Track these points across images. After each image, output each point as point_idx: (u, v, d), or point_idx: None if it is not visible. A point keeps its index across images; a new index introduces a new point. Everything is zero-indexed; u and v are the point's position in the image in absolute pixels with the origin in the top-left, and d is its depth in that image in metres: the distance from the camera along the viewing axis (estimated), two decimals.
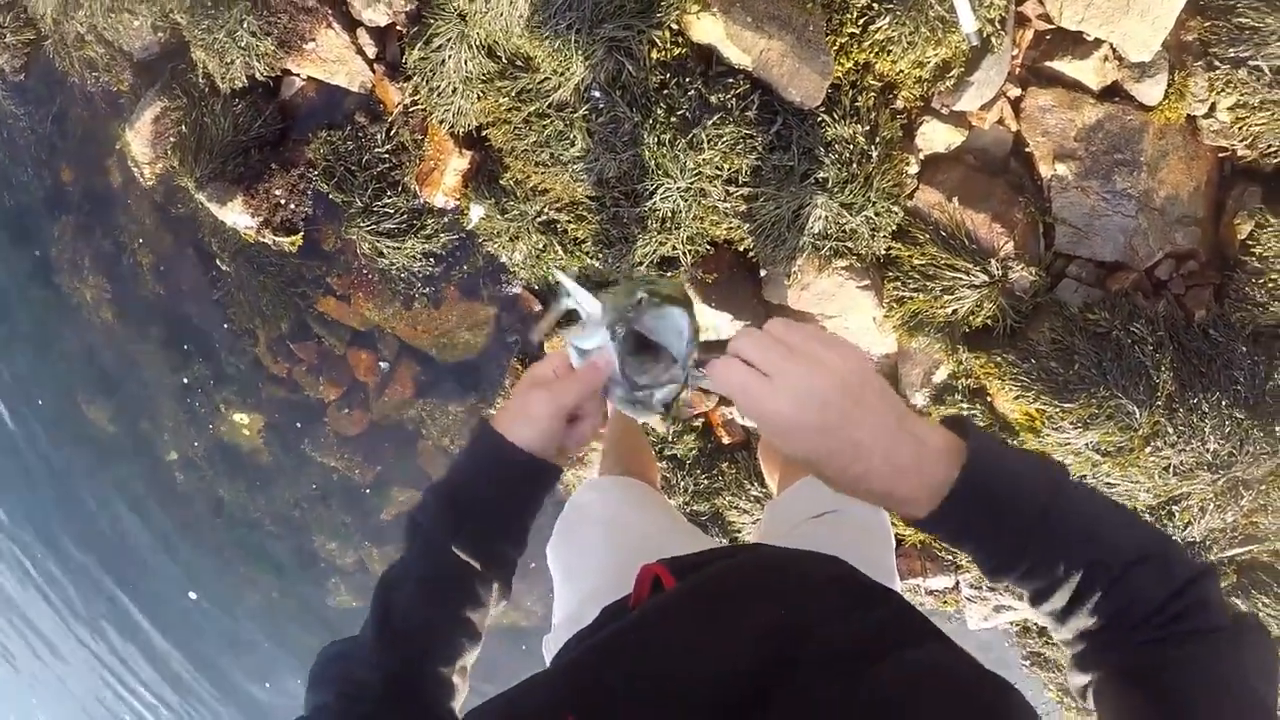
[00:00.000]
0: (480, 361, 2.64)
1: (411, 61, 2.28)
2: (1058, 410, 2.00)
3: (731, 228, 2.15)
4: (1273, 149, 1.90)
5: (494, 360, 2.63)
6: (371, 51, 2.41)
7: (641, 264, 2.20)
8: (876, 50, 1.96)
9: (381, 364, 2.78)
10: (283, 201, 2.54)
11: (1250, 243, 1.93)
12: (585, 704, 0.58)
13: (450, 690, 0.74)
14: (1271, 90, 1.82)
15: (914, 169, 2.08)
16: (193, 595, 3.75)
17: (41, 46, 3.19)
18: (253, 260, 2.76)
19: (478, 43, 2.15)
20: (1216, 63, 1.87)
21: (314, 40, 2.39)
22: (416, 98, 2.32)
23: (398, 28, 2.34)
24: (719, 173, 2.03)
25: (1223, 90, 1.88)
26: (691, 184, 2.05)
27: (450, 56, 2.19)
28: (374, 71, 2.41)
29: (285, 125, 2.57)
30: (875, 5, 1.92)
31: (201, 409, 3.27)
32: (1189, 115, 1.96)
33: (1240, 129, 1.90)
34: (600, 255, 2.24)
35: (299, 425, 3.04)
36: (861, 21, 1.94)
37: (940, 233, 2.05)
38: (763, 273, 2.23)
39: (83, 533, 3.99)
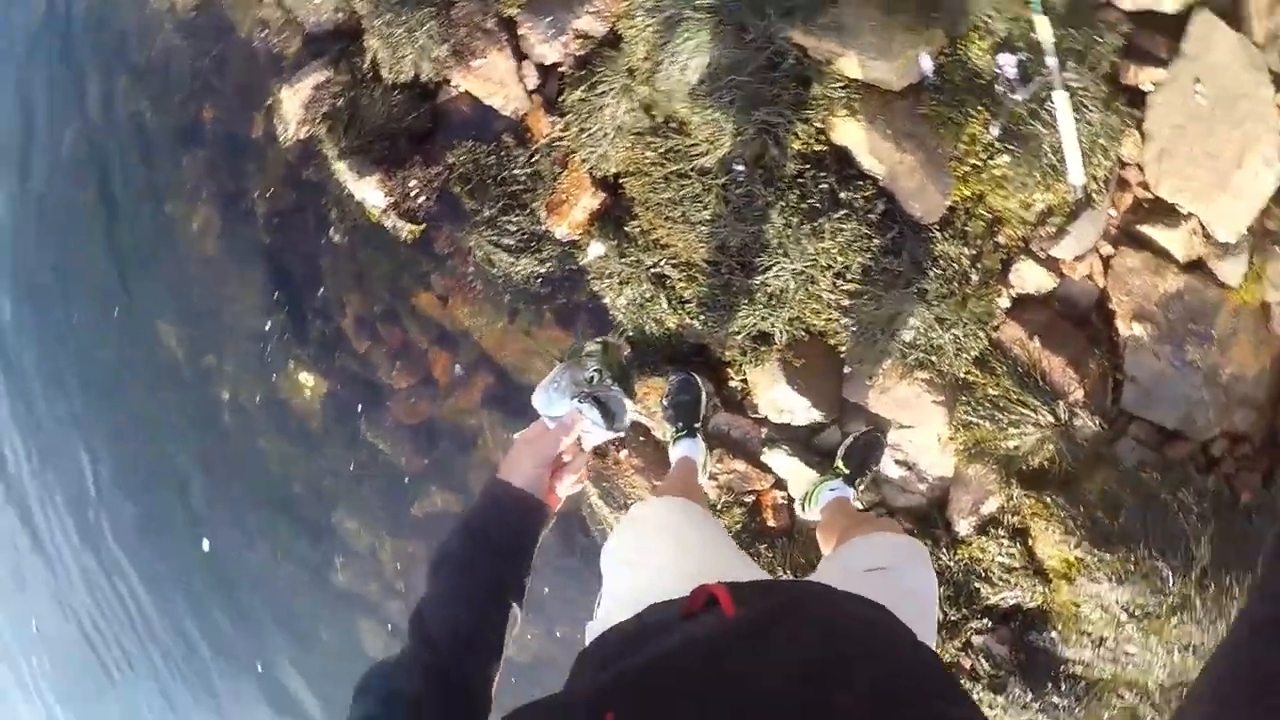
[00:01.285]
0: (571, 352, 2.80)
1: (570, 101, 2.50)
2: (1096, 560, 2.10)
3: (829, 319, 2.32)
4: None
5: (584, 367, 2.79)
6: (532, 83, 2.64)
7: (739, 333, 2.37)
8: (993, 185, 2.15)
9: (457, 367, 2.96)
10: (414, 192, 2.77)
11: None
12: (626, 707, 0.65)
13: (486, 693, 0.87)
14: None
15: (1005, 303, 2.23)
16: (206, 544, 3.92)
17: None
18: (367, 239, 2.98)
19: (639, 99, 2.37)
20: None
21: (484, 59, 2.63)
22: (565, 134, 2.54)
23: (562, 68, 2.57)
24: (832, 264, 2.22)
25: None
26: (805, 268, 2.24)
27: (609, 105, 2.41)
28: (531, 101, 2.64)
29: (433, 127, 2.81)
30: (998, 144, 2.11)
31: (270, 359, 3.47)
32: (1264, 301, 2.10)
33: None
34: (701, 316, 2.41)
35: (361, 403, 3.22)
36: (984, 156, 2.14)
37: (1017, 368, 2.19)
38: (847, 369, 2.38)
39: (115, 451, 4.20)
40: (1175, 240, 2.09)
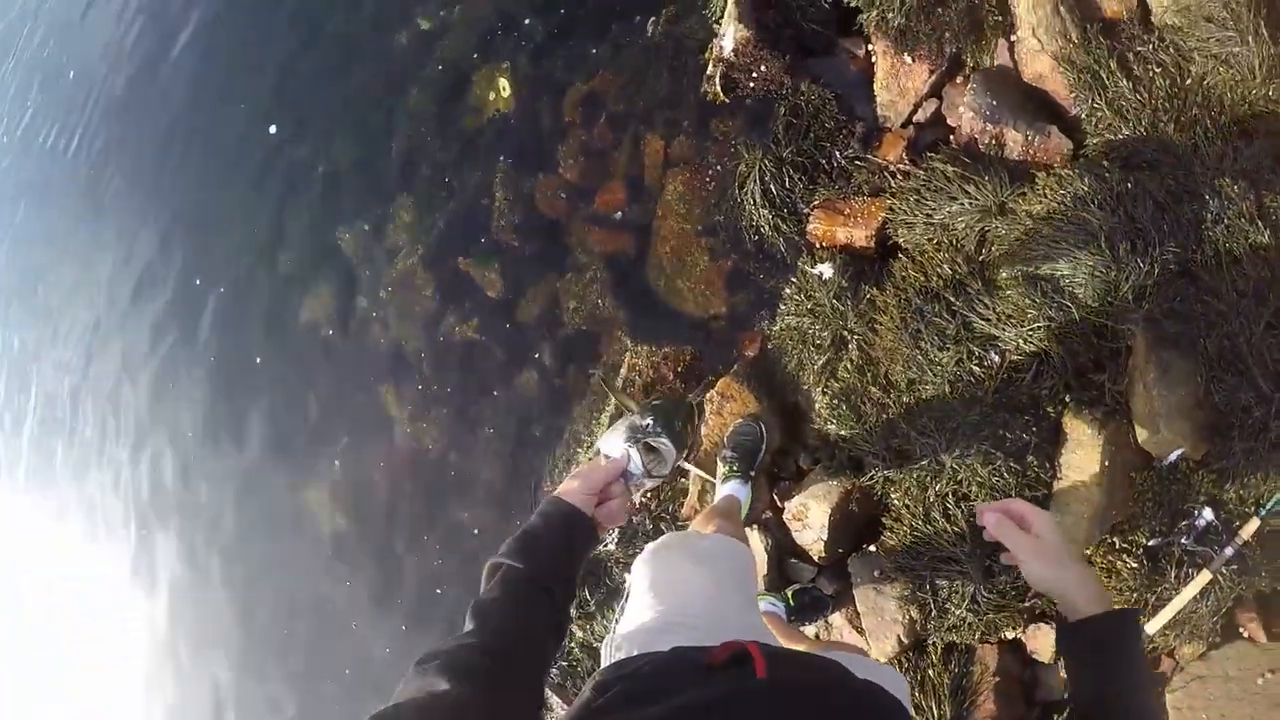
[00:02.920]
0: (641, 405, 2.88)
1: (935, 164, 2.50)
2: None
3: (909, 510, 2.34)
4: None
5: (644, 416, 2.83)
6: (921, 116, 2.65)
7: (842, 446, 2.42)
8: (1105, 568, 2.21)
9: (620, 213, 2.97)
10: (755, 74, 2.76)
11: None
12: None
13: (536, 698, 0.95)
14: None
15: (1010, 634, 2.32)
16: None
17: None
18: (676, 60, 2.98)
19: (981, 226, 2.39)
20: None
21: (912, 60, 2.63)
22: (903, 178, 2.56)
23: (954, 138, 2.57)
24: (961, 484, 2.25)
25: None
26: (948, 463, 2.26)
27: (958, 205, 2.42)
28: (903, 126, 2.66)
29: (820, 53, 2.80)
30: (1140, 552, 2.17)
31: (491, 43, 3.42)
32: None
33: None
34: (831, 402, 2.45)
35: (522, 150, 3.21)
36: (1124, 548, 2.20)
37: (962, 679, 2.32)
38: (871, 547, 2.47)
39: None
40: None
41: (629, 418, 1.35)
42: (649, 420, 1.33)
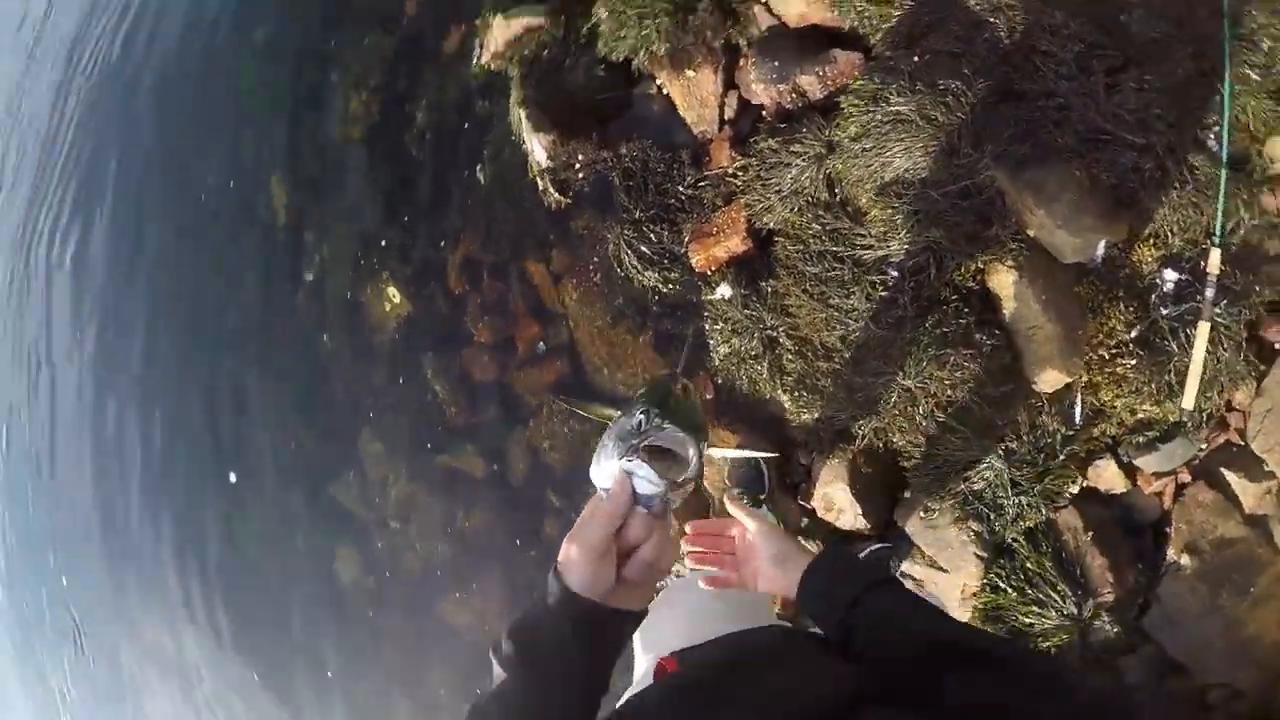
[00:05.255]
0: (622, 405, 3.03)
1: (760, 147, 2.74)
2: None
3: (912, 441, 2.49)
4: None
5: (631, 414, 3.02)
6: (729, 114, 2.89)
7: (824, 423, 2.57)
8: (1111, 380, 2.34)
9: (542, 344, 3.22)
10: (577, 166, 3.05)
11: None
12: None
13: None
14: None
15: (1075, 489, 2.42)
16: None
17: None
18: (510, 190, 3.28)
19: (829, 172, 2.59)
20: None
21: (695, 73, 2.90)
22: (739, 174, 2.78)
23: (765, 114, 2.82)
24: (939, 394, 2.41)
25: None
26: (913, 387, 2.42)
27: (796, 166, 2.64)
28: (720, 130, 2.90)
29: (622, 114, 3.09)
30: (1132, 346, 2.31)
31: (365, 264, 3.81)
32: None
33: None
34: (793, 394, 2.61)
35: (435, 339, 3.51)
36: (1115, 351, 2.33)
37: (1060, 554, 2.37)
38: (906, 494, 2.56)
39: (188, 284, 4.61)
40: (1250, 492, 2.26)
41: (613, 426, 1.08)
42: (639, 416, 1.05)
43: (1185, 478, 2.37)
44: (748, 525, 1.27)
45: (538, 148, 3.08)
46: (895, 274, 2.46)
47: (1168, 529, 2.37)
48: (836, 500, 2.56)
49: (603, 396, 3.11)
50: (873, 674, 0.93)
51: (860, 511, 2.54)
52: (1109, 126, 2.30)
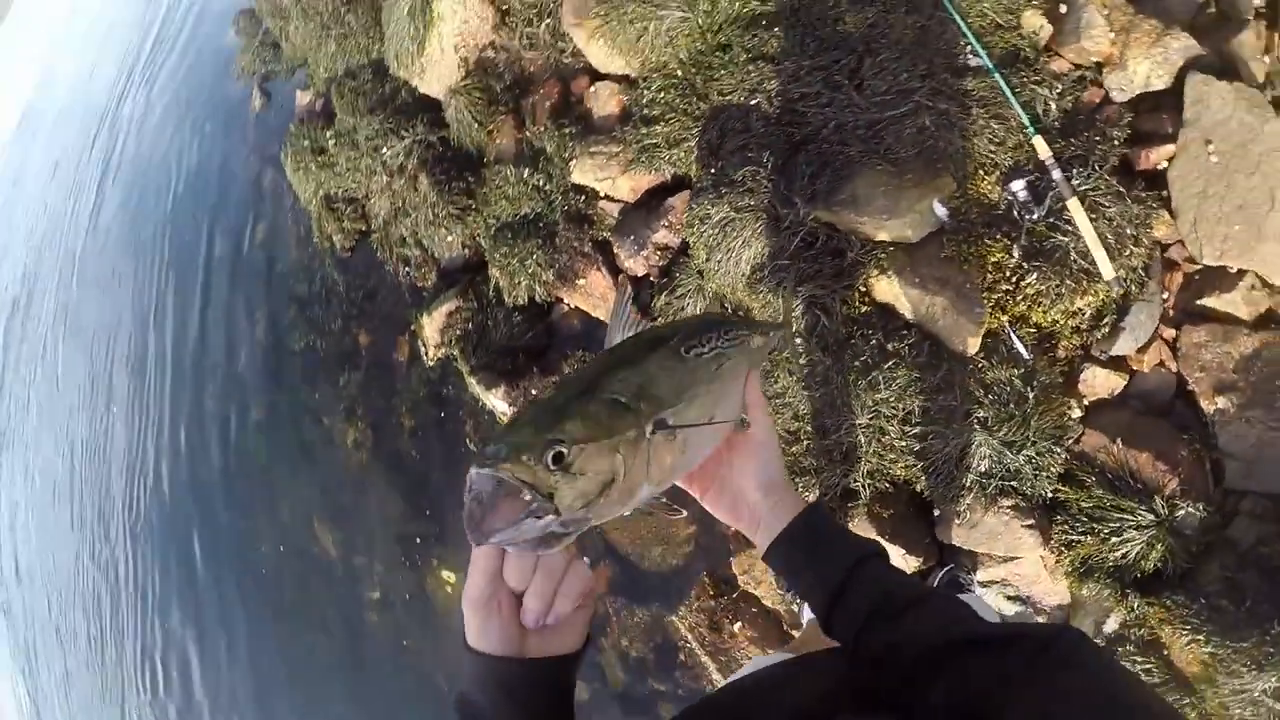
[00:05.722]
0: (672, 577, 3.29)
1: (658, 305, 3.14)
2: (1229, 652, 2.12)
3: (907, 466, 2.63)
4: None
5: (685, 577, 3.27)
6: (641, 269, 3.33)
7: (825, 495, 2.77)
8: (1030, 303, 2.44)
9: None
10: (534, 399, 3.47)
11: None
12: None
13: None
14: None
15: (1077, 414, 2.42)
16: None
17: (369, 237, 4.57)
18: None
19: (710, 293, 2.96)
20: None
21: (585, 279, 3.36)
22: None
23: (651, 278, 3.24)
24: (895, 412, 2.58)
25: None
26: (871, 421, 2.61)
27: (689, 305, 3.02)
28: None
29: (550, 341, 3.54)
30: (1024, 265, 2.41)
31: (412, 561, 4.20)
32: None
33: None
34: (792, 485, 2.84)
35: None
36: (1013, 279, 2.45)
37: (1106, 475, 2.32)
38: (936, 512, 2.65)
39: (286, 652, 5.03)
40: (1235, 302, 2.24)
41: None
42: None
43: (1170, 333, 2.35)
44: (760, 416, 1.05)
45: (497, 401, 3.51)
46: (799, 341, 2.75)
47: (1189, 388, 2.31)
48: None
49: (651, 576, 3.36)
50: (856, 666, 0.92)
51: (904, 552, 2.62)
52: (878, 114, 2.63)
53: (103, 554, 6.80)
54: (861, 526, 2.70)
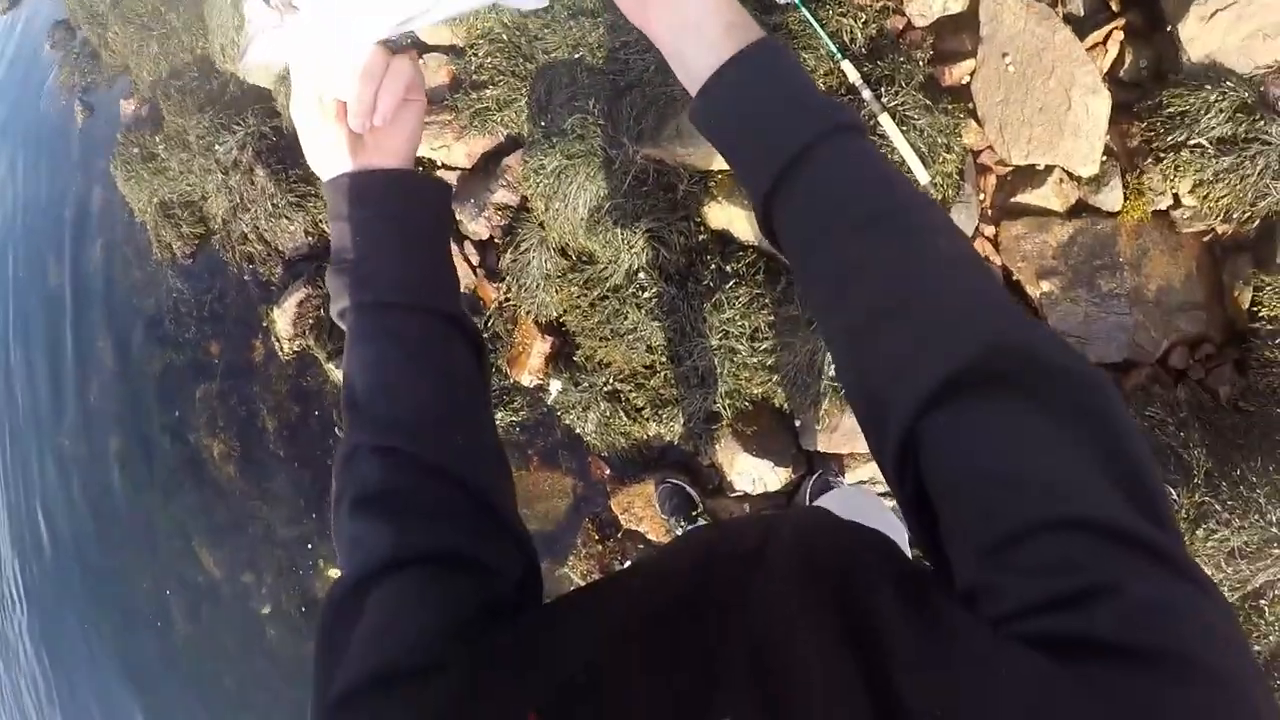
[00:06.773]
0: (557, 531, 3.36)
1: (504, 265, 3.20)
2: None
3: (763, 382, 2.77)
4: (1246, 215, 2.24)
5: (570, 527, 3.34)
6: (475, 260, 3.35)
7: (690, 421, 2.90)
8: None
9: None
10: None
11: (1255, 308, 2.25)
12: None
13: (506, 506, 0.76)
14: (1219, 160, 2.23)
15: None
16: None
17: (210, 239, 4.46)
18: None
19: (553, 245, 3.03)
20: (1160, 154, 2.30)
21: None
22: (509, 294, 3.22)
23: (495, 239, 3.29)
24: (743, 330, 2.72)
25: (1174, 176, 2.29)
26: (721, 342, 2.75)
27: (534, 258, 3.09)
28: (475, 275, 3.36)
29: None
30: None
31: (301, 567, 4.14)
32: (1156, 210, 2.40)
33: (1209, 207, 2.27)
34: (655, 417, 2.95)
35: None
36: None
37: None
38: (797, 422, 2.80)
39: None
40: (1047, 195, 2.44)
41: None
42: None
43: (990, 230, 2.54)
44: None
45: None
46: (643, 276, 2.86)
47: (1015, 278, 2.50)
48: (749, 470, 2.80)
49: (537, 535, 3.42)
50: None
51: (772, 465, 2.76)
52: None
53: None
54: (728, 446, 2.84)
